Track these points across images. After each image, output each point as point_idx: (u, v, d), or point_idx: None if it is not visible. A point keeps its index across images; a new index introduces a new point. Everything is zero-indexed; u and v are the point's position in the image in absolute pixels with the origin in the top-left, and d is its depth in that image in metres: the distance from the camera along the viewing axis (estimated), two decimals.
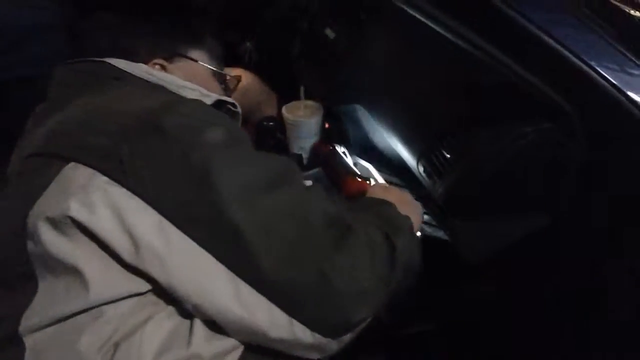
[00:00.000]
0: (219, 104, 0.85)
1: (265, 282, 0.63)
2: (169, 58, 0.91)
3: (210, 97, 0.84)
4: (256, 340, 0.66)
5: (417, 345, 0.93)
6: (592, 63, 0.70)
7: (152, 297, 0.67)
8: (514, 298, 0.80)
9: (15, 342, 0.64)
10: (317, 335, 0.64)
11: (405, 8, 0.84)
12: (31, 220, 0.65)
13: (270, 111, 1.39)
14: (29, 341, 0.64)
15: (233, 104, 0.88)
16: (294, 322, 0.63)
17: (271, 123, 1.38)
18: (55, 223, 0.64)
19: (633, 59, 0.73)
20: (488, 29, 0.76)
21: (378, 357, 0.89)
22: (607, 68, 0.70)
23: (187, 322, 0.67)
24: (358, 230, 0.69)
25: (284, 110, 1.31)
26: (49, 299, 0.64)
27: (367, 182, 1.05)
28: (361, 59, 1.11)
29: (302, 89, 1.30)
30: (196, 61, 0.95)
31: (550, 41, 0.71)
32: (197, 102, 0.76)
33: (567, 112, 0.72)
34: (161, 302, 0.68)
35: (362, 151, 1.30)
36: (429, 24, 0.81)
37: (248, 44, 1.44)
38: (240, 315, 0.63)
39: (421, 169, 0.99)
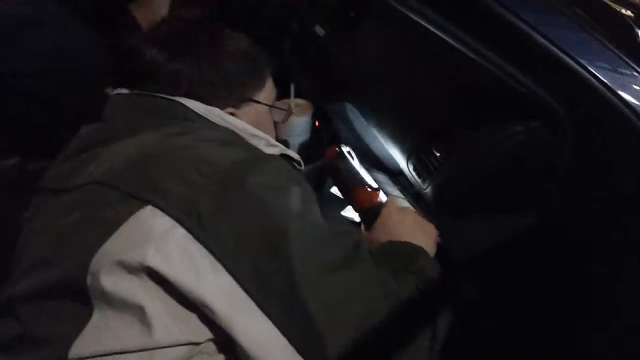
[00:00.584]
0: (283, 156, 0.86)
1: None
2: (239, 104, 0.90)
3: (277, 147, 0.86)
4: None
5: None
6: (584, 62, 0.70)
7: (204, 347, 0.67)
8: (501, 298, 0.80)
9: None
10: None
11: (395, 5, 0.83)
12: (98, 258, 0.63)
13: None
14: None
15: (298, 162, 0.89)
16: None
17: None
18: (128, 267, 0.63)
19: (624, 58, 0.73)
20: (479, 27, 0.75)
21: None
22: (598, 67, 0.70)
23: None
24: (403, 296, 0.71)
25: None
26: (102, 330, 0.63)
27: (377, 192, 1.01)
28: (351, 57, 1.11)
29: (292, 87, 1.30)
30: (259, 102, 0.93)
31: (542, 40, 0.71)
32: (278, 161, 0.76)
33: (557, 112, 0.71)
34: (212, 353, 0.68)
35: (351, 149, 1.29)
36: (420, 22, 0.80)
37: None
38: None
39: (411, 167, 0.99)
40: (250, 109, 0.91)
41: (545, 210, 0.75)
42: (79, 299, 0.63)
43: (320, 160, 1.15)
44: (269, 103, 0.95)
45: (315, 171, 1.25)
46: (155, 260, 0.62)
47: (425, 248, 0.81)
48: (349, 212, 1.10)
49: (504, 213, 0.79)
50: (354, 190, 1.02)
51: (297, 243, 0.65)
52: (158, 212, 0.64)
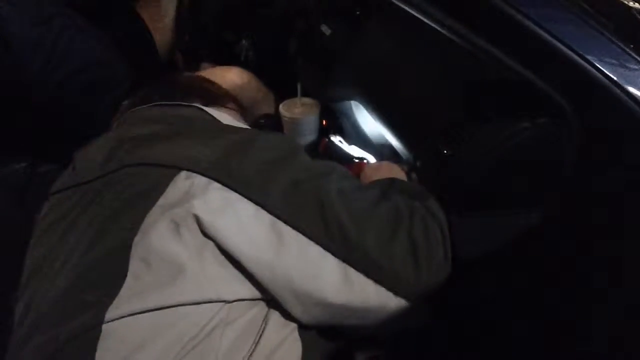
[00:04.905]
0: None
1: (370, 261, 0.71)
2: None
3: None
4: (351, 316, 0.75)
5: (414, 340, 0.93)
6: (590, 58, 0.69)
7: (235, 304, 0.72)
8: (509, 297, 0.80)
9: (93, 330, 0.65)
10: (409, 302, 0.73)
11: (400, 4, 0.83)
12: (151, 218, 0.69)
13: (267, 109, 1.39)
14: (106, 329, 0.65)
15: None
16: (391, 294, 0.72)
17: (268, 121, 1.38)
18: (177, 223, 0.69)
19: (632, 53, 0.72)
20: (483, 24, 0.75)
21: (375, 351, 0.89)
22: (605, 63, 0.69)
23: (259, 326, 0.74)
24: (418, 208, 0.80)
25: (281, 107, 1.31)
26: (137, 291, 0.67)
27: (365, 161, 1.16)
28: (358, 55, 1.10)
29: (299, 86, 1.30)
30: (229, 108, 1.05)
31: (547, 36, 0.70)
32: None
33: (564, 108, 0.71)
34: (242, 311, 0.72)
35: (359, 147, 1.29)
36: (424, 19, 0.80)
37: (244, 42, 1.44)
38: (348, 296, 0.71)
39: (418, 164, 0.98)
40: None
41: (552, 208, 0.74)
42: (122, 264, 0.68)
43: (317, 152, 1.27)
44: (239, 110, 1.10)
45: None
46: (201, 209, 0.69)
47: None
48: None
49: (511, 211, 0.79)
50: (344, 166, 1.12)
51: (318, 176, 0.76)
52: (192, 174, 0.72)
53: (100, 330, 0.65)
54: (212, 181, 0.71)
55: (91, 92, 1.23)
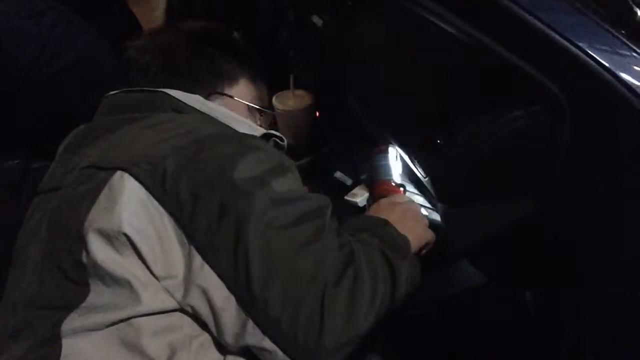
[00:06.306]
0: (266, 137, 0.88)
1: (268, 317, 0.64)
2: (207, 96, 0.93)
3: (258, 130, 0.88)
4: None
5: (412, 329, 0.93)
6: (582, 45, 0.69)
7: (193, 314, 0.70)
8: (507, 286, 0.80)
9: (54, 343, 0.66)
10: None
11: None
12: (85, 229, 0.68)
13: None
14: (66, 344, 0.66)
15: (280, 138, 0.91)
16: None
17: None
18: (107, 235, 0.67)
19: (623, 39, 0.72)
20: (475, 13, 0.75)
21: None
22: (596, 49, 0.69)
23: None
24: (359, 250, 0.71)
25: (274, 100, 1.31)
26: (96, 305, 0.67)
27: (399, 188, 1.06)
28: (350, 46, 1.10)
29: (291, 78, 1.30)
30: (232, 97, 0.97)
31: (539, 24, 0.70)
32: (252, 137, 0.80)
33: (556, 95, 0.71)
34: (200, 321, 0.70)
35: (354, 139, 1.29)
36: (414, 9, 0.80)
37: (235, 34, 1.43)
38: (247, 344, 0.66)
39: (412, 155, 0.99)
40: (222, 100, 0.96)
41: (545, 197, 0.75)
42: (78, 276, 0.68)
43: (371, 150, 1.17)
44: (247, 102, 0.99)
45: (317, 160, 1.26)
46: (128, 228, 0.66)
47: (409, 232, 0.81)
48: (353, 197, 1.11)
49: (505, 199, 0.79)
50: (379, 180, 1.08)
51: (249, 200, 0.67)
52: (125, 175, 0.69)
53: (60, 345, 0.65)
54: (141, 187, 0.68)
55: (84, 87, 1.22)
